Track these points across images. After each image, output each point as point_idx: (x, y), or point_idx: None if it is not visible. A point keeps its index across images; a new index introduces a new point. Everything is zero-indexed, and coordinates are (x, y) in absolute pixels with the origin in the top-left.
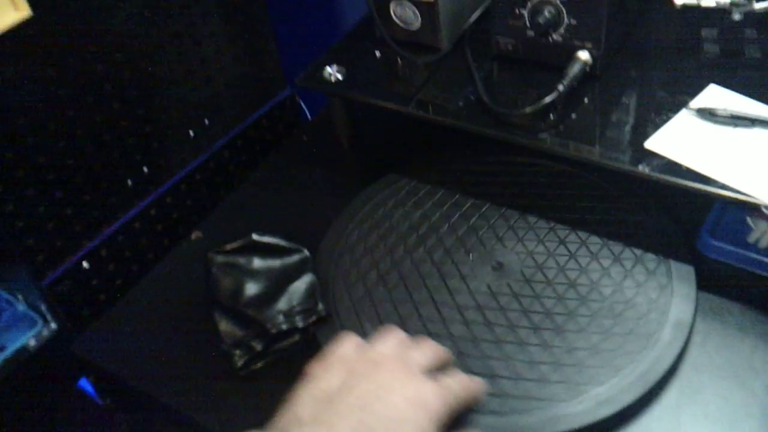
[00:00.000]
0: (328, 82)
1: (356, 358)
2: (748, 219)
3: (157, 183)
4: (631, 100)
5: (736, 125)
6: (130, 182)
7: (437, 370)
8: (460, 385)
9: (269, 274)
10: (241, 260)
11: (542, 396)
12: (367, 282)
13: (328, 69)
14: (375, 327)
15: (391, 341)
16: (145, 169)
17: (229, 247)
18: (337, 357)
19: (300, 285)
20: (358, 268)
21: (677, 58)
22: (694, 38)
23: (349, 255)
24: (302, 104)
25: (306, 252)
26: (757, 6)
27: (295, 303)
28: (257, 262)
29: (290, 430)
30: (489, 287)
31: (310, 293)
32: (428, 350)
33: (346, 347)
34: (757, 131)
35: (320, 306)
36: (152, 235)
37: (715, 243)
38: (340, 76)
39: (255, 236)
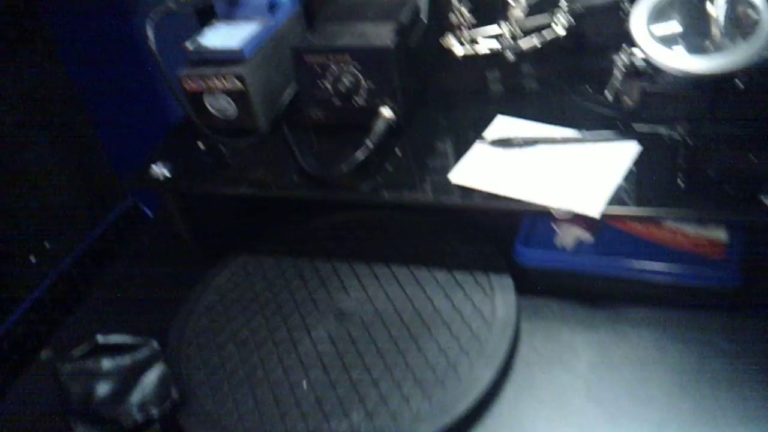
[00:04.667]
0: (156, 180)
1: None
2: (554, 225)
3: (2, 314)
4: (435, 144)
5: (522, 147)
6: None
7: None
8: None
9: (120, 372)
10: (90, 364)
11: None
12: (219, 357)
13: (154, 167)
14: (228, 401)
15: None
16: None
17: (75, 352)
18: None
19: (152, 376)
20: (207, 348)
21: (470, 100)
22: (481, 81)
23: (197, 338)
24: (147, 211)
25: (155, 343)
26: (522, 44)
27: (147, 393)
28: (106, 363)
29: None
30: (330, 336)
31: (163, 382)
32: None
33: None
34: (540, 148)
35: (173, 392)
36: (7, 370)
37: (529, 252)
38: (167, 172)
39: (99, 337)
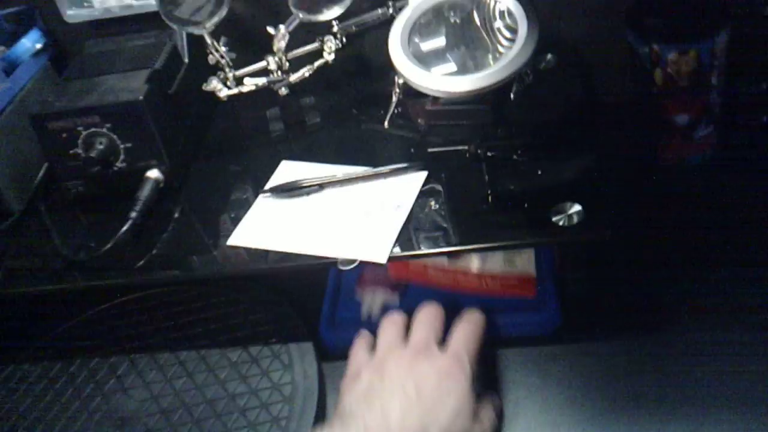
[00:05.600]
0: None
1: (372, 362)
2: (357, 295)
3: None
4: (217, 201)
5: (308, 194)
6: None
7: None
8: (465, 338)
9: None
10: None
11: None
12: None
13: None
14: None
15: (389, 334)
16: None
17: None
18: (356, 366)
19: None
20: None
21: (253, 146)
22: (262, 122)
23: None
24: None
25: None
26: (293, 78)
27: None
28: None
29: (347, 417)
30: None
31: None
32: (423, 325)
33: (359, 355)
34: (327, 193)
35: None
36: None
37: (333, 335)
38: None
39: None
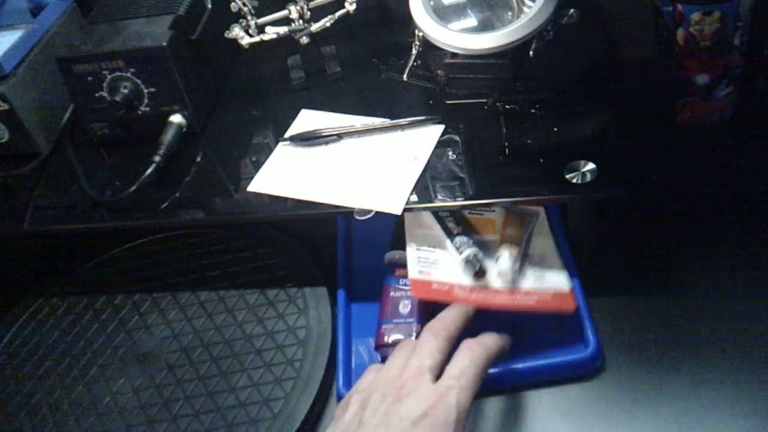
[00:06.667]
0: None
1: (363, 391)
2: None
3: None
4: (238, 147)
5: (327, 143)
6: None
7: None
8: (461, 369)
9: None
10: None
11: None
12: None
13: None
14: None
15: (399, 356)
16: None
17: None
18: (354, 391)
19: None
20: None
21: (273, 93)
22: (283, 70)
23: None
24: None
25: None
26: (314, 28)
27: None
28: None
29: None
30: (132, 386)
31: None
32: (425, 347)
33: (366, 378)
34: (345, 142)
35: None
36: None
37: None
38: None
39: None
